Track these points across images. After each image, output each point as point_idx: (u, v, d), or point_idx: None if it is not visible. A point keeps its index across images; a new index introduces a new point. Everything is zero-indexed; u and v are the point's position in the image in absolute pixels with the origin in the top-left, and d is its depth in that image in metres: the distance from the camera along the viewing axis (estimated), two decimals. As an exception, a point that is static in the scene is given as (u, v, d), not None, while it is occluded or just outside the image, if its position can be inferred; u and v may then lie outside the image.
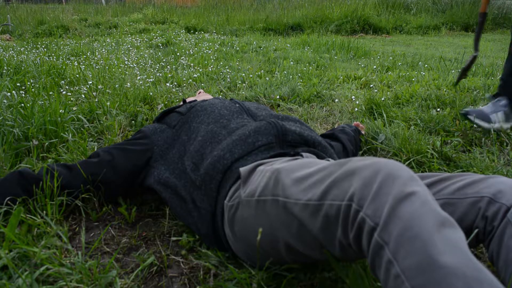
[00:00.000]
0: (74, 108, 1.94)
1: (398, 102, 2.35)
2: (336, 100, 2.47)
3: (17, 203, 1.07)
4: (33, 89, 2.21)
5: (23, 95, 2.12)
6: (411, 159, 1.54)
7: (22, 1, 10.96)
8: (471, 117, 1.82)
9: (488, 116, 1.82)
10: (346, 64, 3.83)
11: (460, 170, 1.47)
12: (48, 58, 3.48)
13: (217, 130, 1.10)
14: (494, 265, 0.75)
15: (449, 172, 1.43)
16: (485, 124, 1.82)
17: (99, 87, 2.40)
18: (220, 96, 2.46)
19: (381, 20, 7.37)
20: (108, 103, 2.02)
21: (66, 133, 1.64)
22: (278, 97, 2.44)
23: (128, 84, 2.55)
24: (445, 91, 2.56)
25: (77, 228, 1.14)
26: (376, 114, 2.05)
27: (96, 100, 2.09)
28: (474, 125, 1.85)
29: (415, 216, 0.55)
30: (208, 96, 1.66)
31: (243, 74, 3.04)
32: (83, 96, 2.26)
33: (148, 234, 1.13)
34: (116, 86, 2.46)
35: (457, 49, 5.08)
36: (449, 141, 1.75)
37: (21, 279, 0.83)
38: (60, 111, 1.72)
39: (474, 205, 0.78)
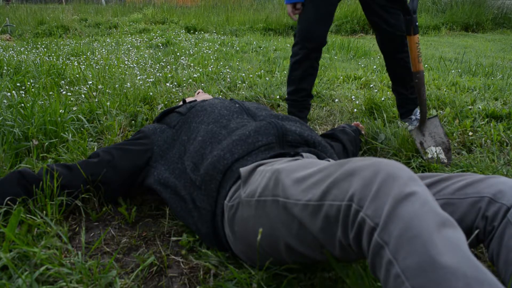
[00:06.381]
0: (74, 108, 1.94)
1: (398, 102, 2.35)
2: (336, 100, 2.47)
3: (17, 203, 1.07)
4: (33, 89, 2.20)
5: (23, 95, 2.12)
6: (411, 159, 1.53)
7: (22, 1, 10.96)
8: None
9: None
10: (346, 64, 3.83)
11: (460, 170, 1.47)
12: (48, 58, 3.48)
13: (217, 130, 1.10)
14: (494, 265, 0.75)
15: (449, 172, 1.43)
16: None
17: (99, 87, 2.40)
18: (220, 96, 2.46)
19: (381, 20, 7.33)
20: (108, 103, 2.02)
21: (66, 133, 1.64)
22: (278, 97, 2.44)
23: (128, 84, 2.55)
24: (445, 91, 2.56)
25: (77, 228, 1.14)
26: (376, 114, 2.05)
27: (96, 100, 2.09)
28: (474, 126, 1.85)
29: (415, 216, 0.55)
30: (208, 96, 1.66)
31: (243, 74, 3.04)
32: (83, 96, 2.26)
33: (148, 234, 1.12)
34: (116, 86, 2.46)
35: (457, 49, 5.08)
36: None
37: (21, 279, 0.83)
38: (60, 111, 1.72)
39: (474, 205, 0.78)
